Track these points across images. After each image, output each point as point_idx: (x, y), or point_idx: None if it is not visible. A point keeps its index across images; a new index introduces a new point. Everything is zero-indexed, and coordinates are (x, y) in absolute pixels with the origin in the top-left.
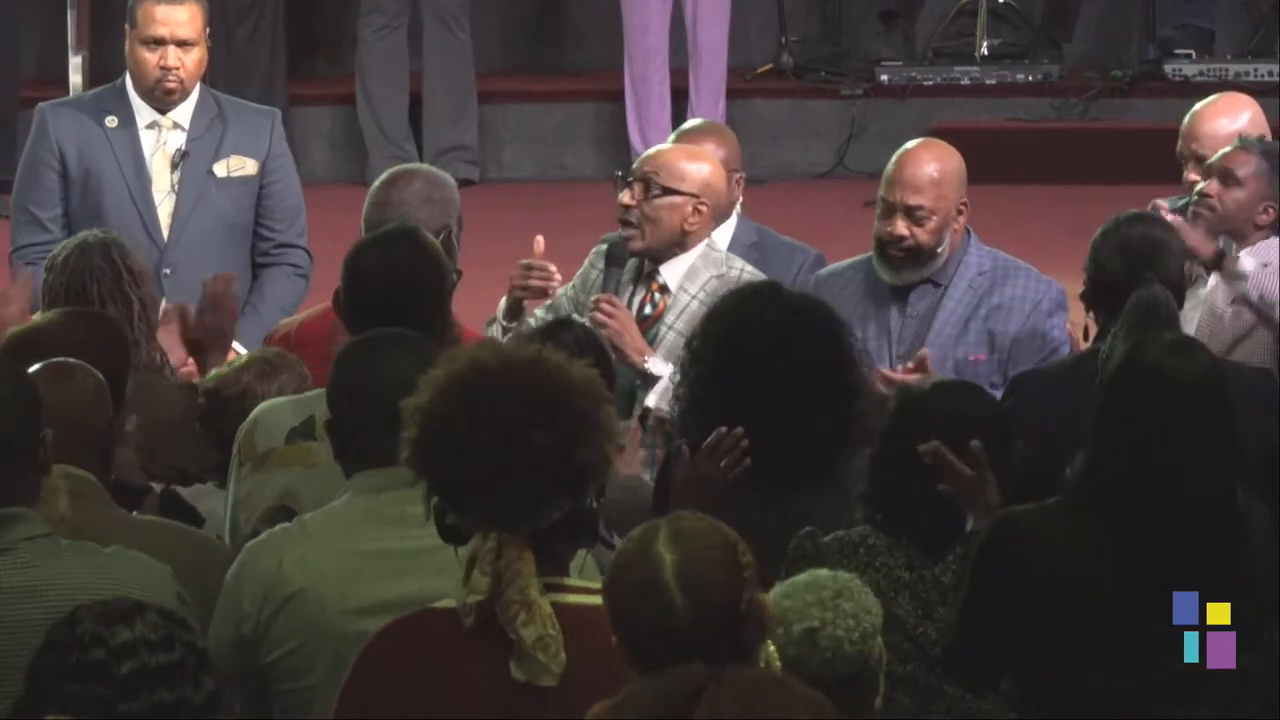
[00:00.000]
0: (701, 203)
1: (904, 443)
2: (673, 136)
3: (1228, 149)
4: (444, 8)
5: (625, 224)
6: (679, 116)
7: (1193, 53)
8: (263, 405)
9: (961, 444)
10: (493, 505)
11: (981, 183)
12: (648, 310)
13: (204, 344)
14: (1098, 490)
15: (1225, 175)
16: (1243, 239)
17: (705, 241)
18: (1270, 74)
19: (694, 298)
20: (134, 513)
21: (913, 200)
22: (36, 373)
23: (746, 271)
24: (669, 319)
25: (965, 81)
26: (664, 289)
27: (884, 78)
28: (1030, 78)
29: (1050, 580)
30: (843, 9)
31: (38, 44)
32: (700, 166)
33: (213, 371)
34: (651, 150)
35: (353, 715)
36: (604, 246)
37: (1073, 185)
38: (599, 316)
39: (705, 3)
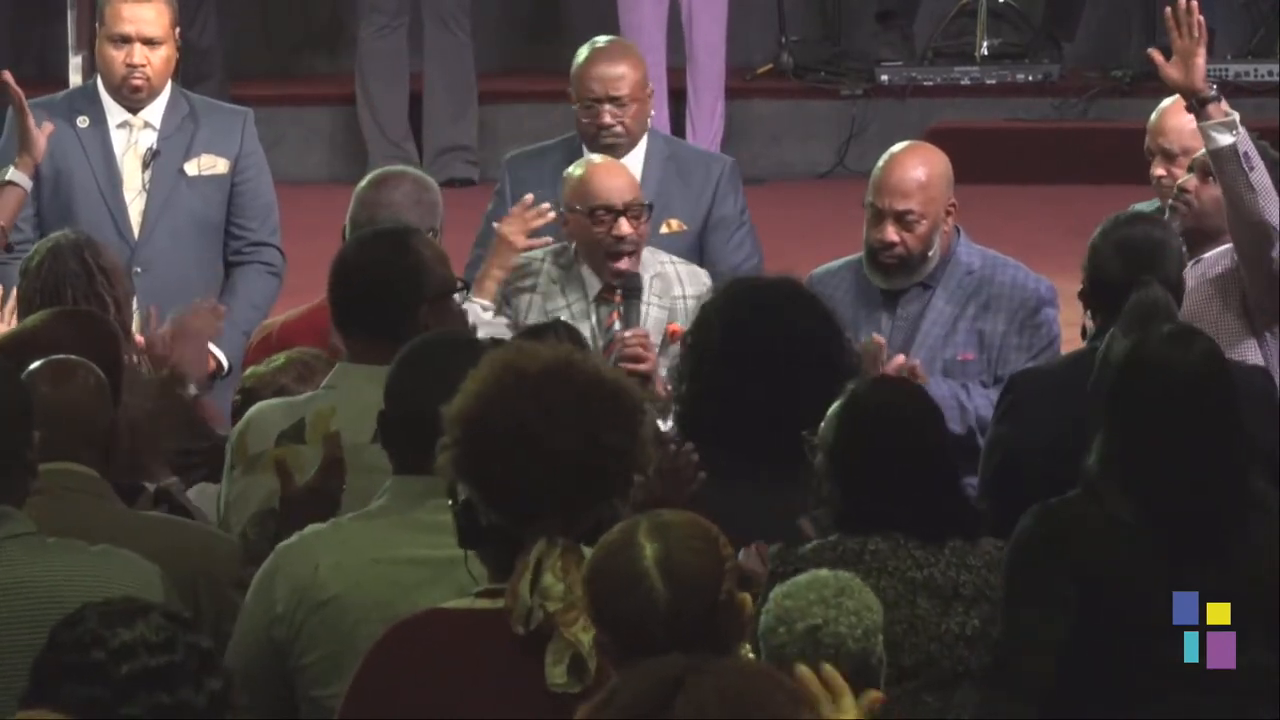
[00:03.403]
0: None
1: (857, 441)
2: (584, 51)
3: None
4: (444, 8)
5: (622, 254)
6: (678, 116)
7: None
8: (256, 407)
9: (904, 439)
10: (563, 507)
11: (981, 183)
12: (618, 325)
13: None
14: (1114, 484)
15: (1205, 171)
16: (1215, 237)
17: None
18: (1270, 74)
19: (645, 304)
20: None
21: (901, 205)
22: (37, 370)
23: (676, 263)
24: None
25: (965, 81)
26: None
27: (884, 78)
28: (1030, 78)
29: (1096, 571)
30: (842, 9)
31: (38, 44)
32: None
33: (250, 370)
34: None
35: (362, 715)
36: (554, 247)
37: (1073, 185)
38: (633, 353)
39: (702, 3)
